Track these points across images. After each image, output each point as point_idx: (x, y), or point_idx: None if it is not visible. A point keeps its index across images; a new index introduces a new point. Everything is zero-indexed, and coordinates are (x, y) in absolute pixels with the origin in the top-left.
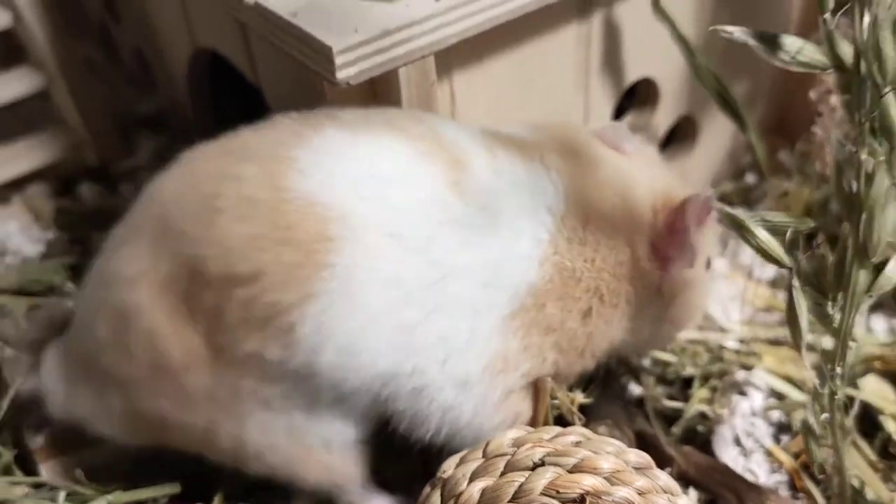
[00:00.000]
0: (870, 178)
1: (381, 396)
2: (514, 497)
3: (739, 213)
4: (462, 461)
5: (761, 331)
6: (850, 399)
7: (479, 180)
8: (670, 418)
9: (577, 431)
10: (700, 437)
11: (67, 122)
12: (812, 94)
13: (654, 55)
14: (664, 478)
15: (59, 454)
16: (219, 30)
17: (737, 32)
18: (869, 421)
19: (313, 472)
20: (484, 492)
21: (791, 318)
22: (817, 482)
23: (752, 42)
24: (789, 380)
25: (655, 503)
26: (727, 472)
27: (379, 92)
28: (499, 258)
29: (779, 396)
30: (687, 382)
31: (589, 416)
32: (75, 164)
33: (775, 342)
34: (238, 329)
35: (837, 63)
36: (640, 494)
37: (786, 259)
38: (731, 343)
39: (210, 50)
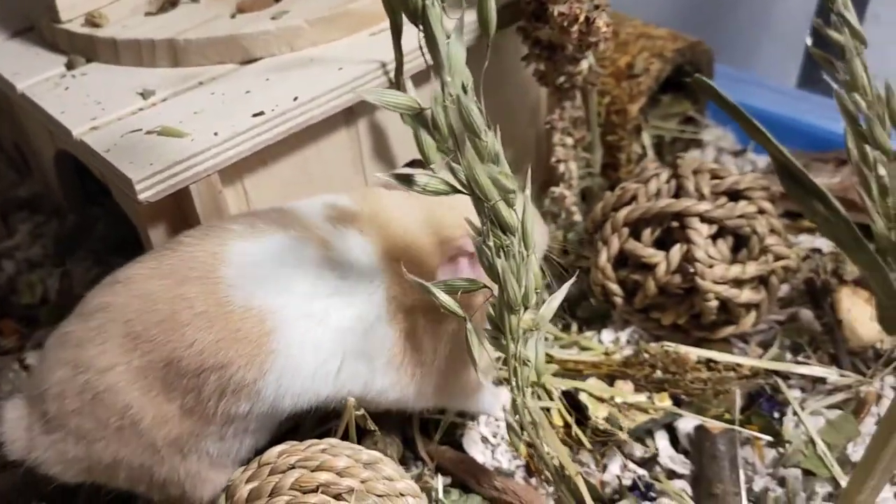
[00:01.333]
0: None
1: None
2: (271, 493)
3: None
4: (244, 471)
5: None
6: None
7: (337, 253)
8: (436, 425)
9: (328, 441)
10: (457, 439)
11: None
12: (553, 160)
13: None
14: (389, 470)
15: None
16: None
17: (380, 175)
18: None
19: (208, 492)
20: (251, 492)
21: (469, 352)
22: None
23: (391, 181)
24: None
25: (375, 488)
26: (470, 462)
27: (179, 202)
28: (365, 311)
29: None
30: None
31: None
32: None
33: None
34: (213, 398)
35: (453, 188)
36: (362, 482)
37: (459, 312)
38: None
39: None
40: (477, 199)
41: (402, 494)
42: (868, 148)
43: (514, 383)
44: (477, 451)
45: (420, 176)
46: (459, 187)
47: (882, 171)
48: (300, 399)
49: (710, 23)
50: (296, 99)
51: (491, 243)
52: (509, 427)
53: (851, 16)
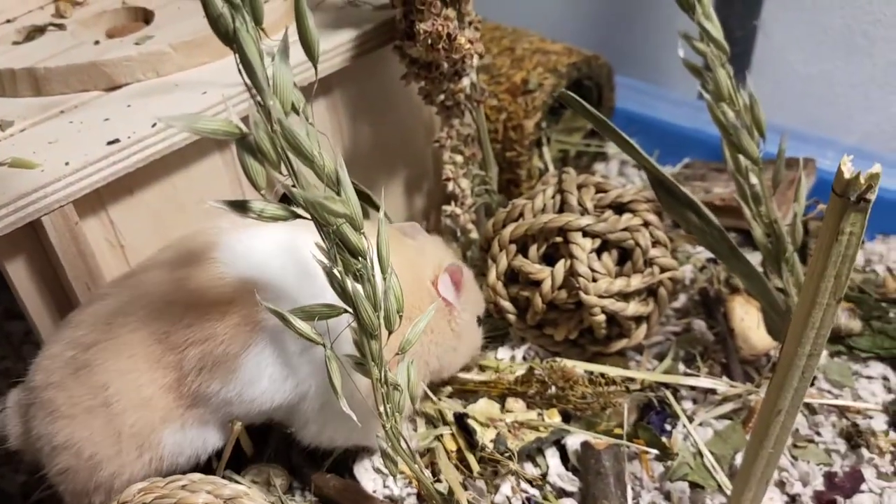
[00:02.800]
0: (358, 278)
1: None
2: None
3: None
4: None
5: None
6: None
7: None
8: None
9: (189, 477)
10: (350, 466)
11: None
12: (443, 178)
13: None
14: None
15: None
16: None
17: (214, 203)
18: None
19: None
20: None
21: (329, 380)
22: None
23: (225, 208)
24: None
25: None
26: (355, 490)
27: (36, 234)
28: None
29: None
30: None
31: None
32: None
33: None
34: (192, 372)
35: (293, 213)
36: None
37: (318, 339)
38: None
39: None
40: (318, 224)
41: None
42: (741, 157)
43: (383, 410)
44: (368, 479)
45: (256, 203)
46: (300, 212)
47: (754, 179)
48: (271, 387)
49: (616, 36)
50: (154, 125)
51: (340, 268)
52: (383, 454)
53: (713, 27)
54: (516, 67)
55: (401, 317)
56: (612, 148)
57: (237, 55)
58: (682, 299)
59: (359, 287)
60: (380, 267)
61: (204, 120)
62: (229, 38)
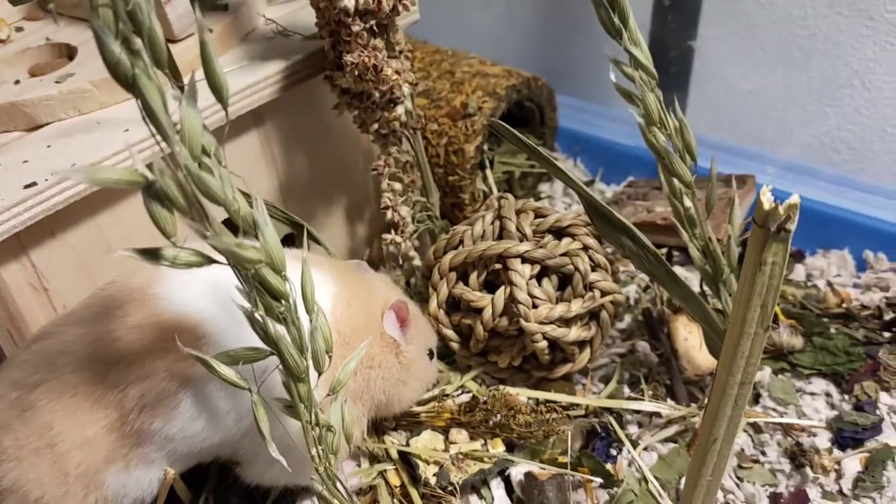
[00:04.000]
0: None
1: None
2: None
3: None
4: None
5: None
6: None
7: None
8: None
9: None
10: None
11: None
12: (381, 206)
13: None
14: None
15: None
16: None
17: (124, 252)
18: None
19: None
20: None
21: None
22: None
23: (135, 256)
24: None
25: None
26: None
27: None
28: None
29: None
30: None
31: None
32: None
33: None
34: (134, 410)
35: (208, 258)
36: None
37: (243, 384)
38: None
39: None
40: (234, 268)
41: None
42: (675, 180)
43: (315, 452)
44: None
45: (167, 250)
46: (217, 257)
47: (688, 202)
48: (212, 423)
49: (559, 57)
50: (73, 165)
51: (262, 312)
52: (318, 496)
53: (641, 53)
54: (456, 91)
55: (330, 357)
56: None
57: (138, 102)
58: (626, 320)
59: (282, 330)
60: (305, 307)
61: (105, 170)
62: (129, 85)
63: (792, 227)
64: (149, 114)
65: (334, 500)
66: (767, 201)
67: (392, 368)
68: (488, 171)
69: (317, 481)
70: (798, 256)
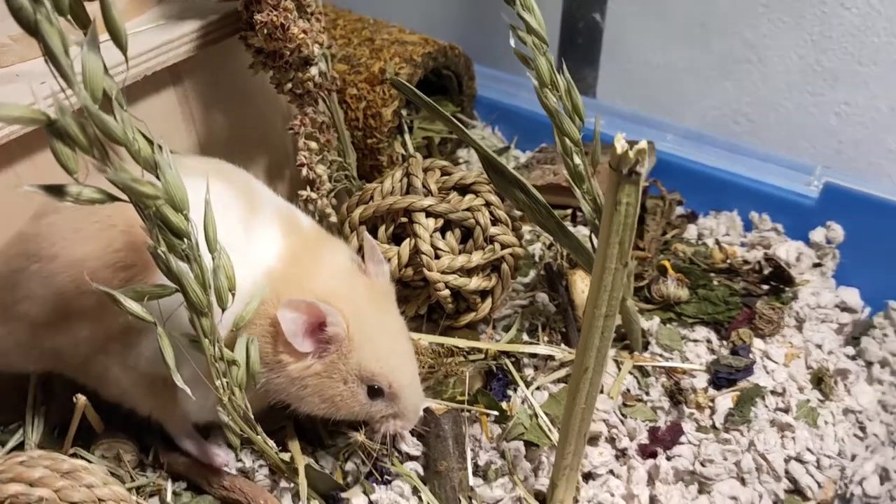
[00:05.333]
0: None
1: None
2: None
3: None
4: None
5: None
6: None
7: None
8: None
9: (29, 454)
10: None
11: None
12: (297, 164)
13: None
14: (92, 478)
15: None
16: None
17: (28, 188)
18: None
19: (147, 406)
20: None
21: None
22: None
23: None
24: None
25: (70, 496)
26: (201, 465)
27: None
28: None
29: None
30: None
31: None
32: None
33: None
34: None
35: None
36: (56, 491)
37: (149, 318)
38: None
39: None
40: (136, 206)
41: (101, 500)
42: (566, 139)
43: (220, 384)
44: (220, 456)
45: (71, 187)
46: (119, 195)
47: (577, 159)
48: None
49: (477, 27)
50: None
51: (164, 248)
52: (224, 426)
53: (533, 18)
54: (375, 57)
55: (233, 295)
56: (473, 135)
57: (41, 46)
58: (530, 275)
59: (185, 267)
60: (208, 247)
61: (7, 108)
62: (31, 30)
63: (642, 170)
64: (50, 57)
65: (237, 429)
66: (620, 147)
67: (281, 369)
68: (406, 136)
69: (223, 413)
70: (691, 217)
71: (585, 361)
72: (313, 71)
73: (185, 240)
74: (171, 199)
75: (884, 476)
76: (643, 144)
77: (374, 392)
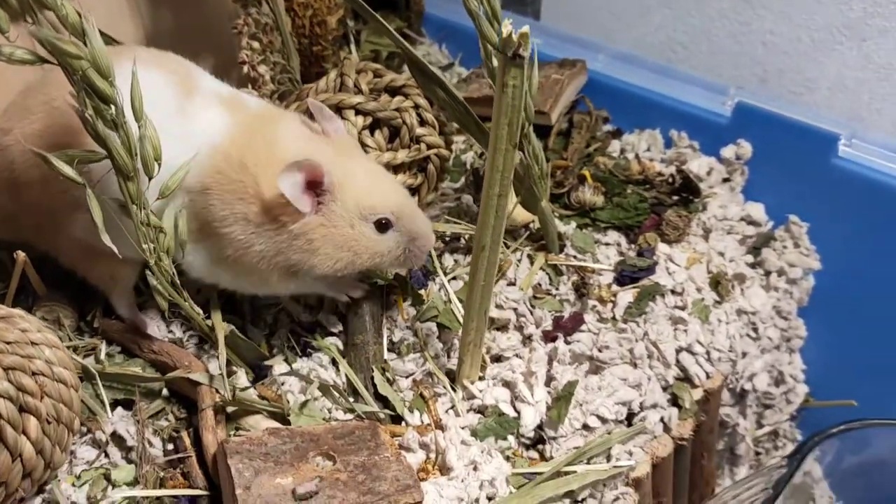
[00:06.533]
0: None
1: None
2: None
3: None
4: None
5: None
6: None
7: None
8: None
9: None
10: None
11: None
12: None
13: None
14: (25, 324)
15: None
16: None
17: None
18: None
19: (94, 274)
20: None
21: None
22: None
23: None
24: None
25: (5, 337)
26: (134, 331)
27: None
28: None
29: None
30: None
31: None
32: None
33: None
34: None
35: (40, 58)
36: None
37: (79, 180)
38: None
39: None
40: (65, 70)
41: (34, 343)
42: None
43: (147, 248)
44: (153, 326)
45: (5, 47)
46: (47, 57)
47: (495, 61)
48: None
49: None
50: None
51: (91, 112)
52: (154, 290)
53: None
54: None
55: (159, 164)
56: (420, 51)
57: None
58: (461, 181)
59: (112, 133)
60: (134, 116)
61: None
62: None
63: (525, 53)
64: None
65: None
66: (507, 31)
67: (278, 234)
68: (353, 46)
69: (151, 276)
70: (616, 133)
71: (482, 240)
72: None
73: (112, 106)
74: (95, 64)
75: (779, 379)
76: (525, 29)
77: (382, 226)
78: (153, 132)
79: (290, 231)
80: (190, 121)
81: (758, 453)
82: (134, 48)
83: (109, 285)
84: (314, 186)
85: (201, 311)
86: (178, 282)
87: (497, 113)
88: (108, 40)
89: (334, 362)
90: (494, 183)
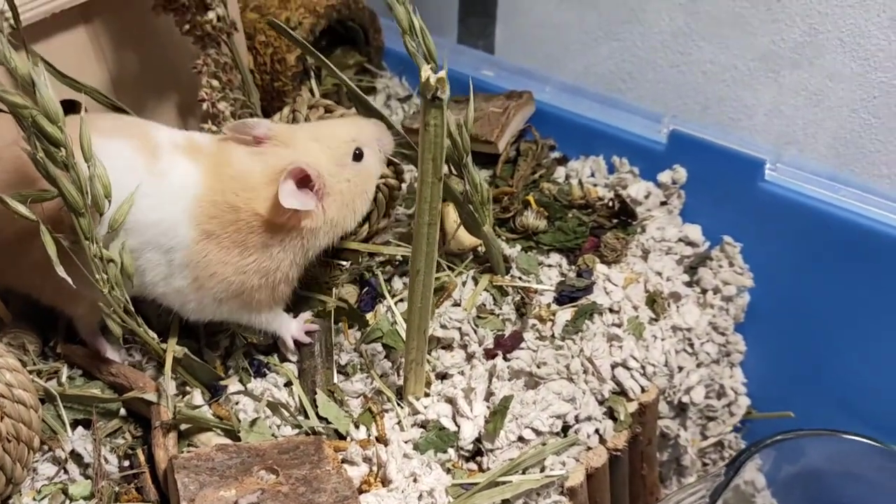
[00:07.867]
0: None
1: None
2: None
3: None
4: None
5: None
6: None
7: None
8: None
9: None
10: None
11: None
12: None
13: None
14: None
15: None
16: None
17: None
18: None
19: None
20: None
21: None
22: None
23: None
24: None
25: None
26: (95, 356)
27: None
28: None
29: None
30: None
31: None
32: None
33: None
34: None
35: None
36: None
37: (31, 216)
38: None
39: None
40: (15, 116)
41: None
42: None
43: (101, 279)
44: (113, 351)
45: None
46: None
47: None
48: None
49: None
50: None
51: (41, 154)
52: (105, 315)
53: None
54: (283, 7)
55: (109, 201)
56: (379, 83)
57: None
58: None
59: (61, 173)
60: (84, 158)
61: None
62: None
63: (443, 96)
64: None
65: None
66: (426, 74)
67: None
68: (313, 81)
69: (104, 306)
70: (562, 160)
71: (416, 265)
72: (211, 15)
73: (62, 149)
74: (45, 111)
75: (720, 392)
76: (442, 74)
77: (358, 156)
78: (102, 171)
79: (307, 228)
80: (164, 180)
81: (705, 464)
82: (93, 118)
83: (76, 314)
84: (305, 182)
85: (156, 336)
86: (132, 309)
87: (422, 149)
88: (72, 84)
89: (288, 383)
90: (423, 212)
